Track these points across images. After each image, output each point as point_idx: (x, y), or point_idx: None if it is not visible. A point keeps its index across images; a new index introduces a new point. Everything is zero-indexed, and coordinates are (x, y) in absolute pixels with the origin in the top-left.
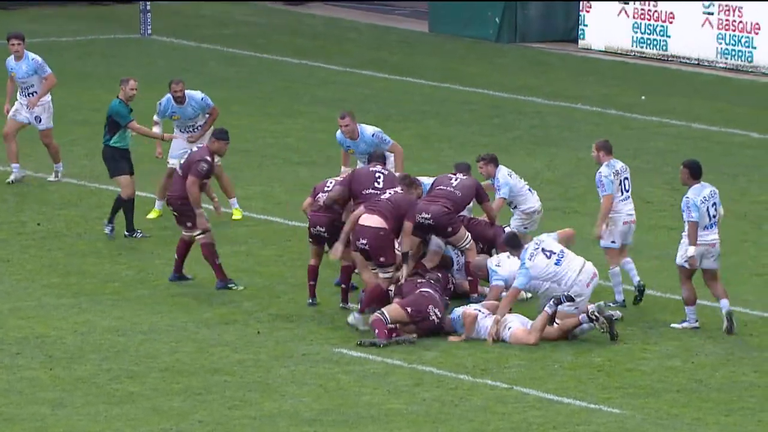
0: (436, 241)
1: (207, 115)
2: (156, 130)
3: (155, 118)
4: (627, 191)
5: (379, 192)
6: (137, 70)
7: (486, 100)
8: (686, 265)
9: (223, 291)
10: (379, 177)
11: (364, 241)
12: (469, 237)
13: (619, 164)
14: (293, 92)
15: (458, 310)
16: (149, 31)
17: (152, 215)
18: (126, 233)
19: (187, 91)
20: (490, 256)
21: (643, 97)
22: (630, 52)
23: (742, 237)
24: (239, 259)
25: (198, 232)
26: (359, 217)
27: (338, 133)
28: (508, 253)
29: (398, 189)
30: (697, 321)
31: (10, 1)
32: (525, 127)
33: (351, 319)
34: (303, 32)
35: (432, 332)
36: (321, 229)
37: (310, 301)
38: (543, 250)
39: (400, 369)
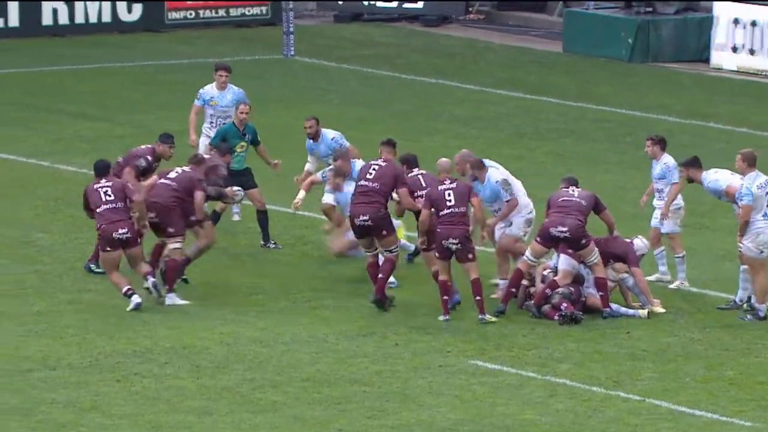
0: (569, 261)
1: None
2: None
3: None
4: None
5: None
6: (280, 89)
7: (618, 118)
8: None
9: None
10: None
11: (456, 240)
12: (597, 252)
13: (762, 178)
14: (430, 111)
15: None
16: (292, 52)
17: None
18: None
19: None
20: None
21: None
22: (763, 72)
23: None
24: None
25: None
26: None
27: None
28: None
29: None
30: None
31: (162, 25)
32: None
33: None
34: (440, 52)
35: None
36: (454, 241)
37: (445, 317)
38: None
39: (533, 381)
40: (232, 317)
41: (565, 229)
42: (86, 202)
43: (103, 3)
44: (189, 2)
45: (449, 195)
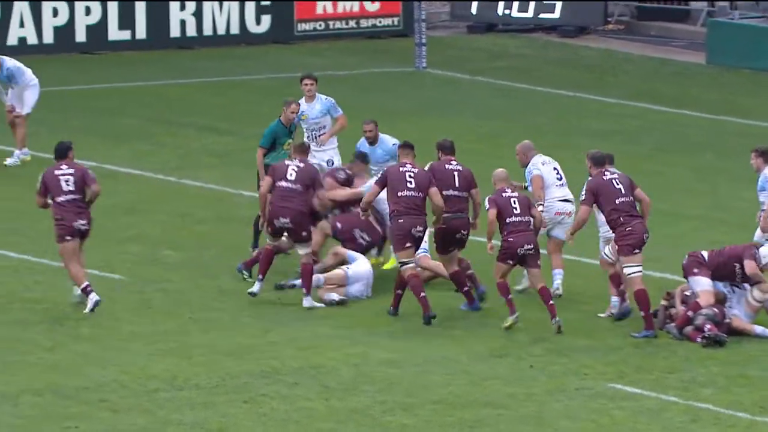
0: (708, 281)
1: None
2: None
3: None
4: None
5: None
6: (409, 102)
7: (762, 132)
8: None
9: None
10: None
11: (531, 246)
12: None
13: None
14: (566, 124)
15: None
16: (424, 64)
17: None
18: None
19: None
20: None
21: None
22: None
23: None
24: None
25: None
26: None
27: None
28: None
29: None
30: None
31: (291, 37)
32: None
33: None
34: (577, 64)
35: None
36: (529, 247)
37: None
38: None
39: (675, 405)
40: (361, 338)
41: (647, 234)
42: (43, 189)
43: (231, 15)
44: (319, 13)
45: (515, 202)
